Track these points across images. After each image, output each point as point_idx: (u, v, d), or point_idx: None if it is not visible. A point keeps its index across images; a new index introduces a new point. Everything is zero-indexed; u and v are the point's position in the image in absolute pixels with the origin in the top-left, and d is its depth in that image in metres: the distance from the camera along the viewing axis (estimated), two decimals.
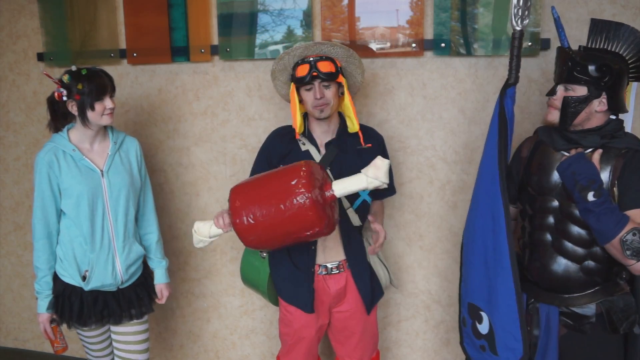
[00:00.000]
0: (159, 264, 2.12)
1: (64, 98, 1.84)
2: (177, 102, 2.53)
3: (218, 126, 2.50)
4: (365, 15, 2.23)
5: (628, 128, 2.10)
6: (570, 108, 1.58)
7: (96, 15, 2.50)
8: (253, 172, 2.00)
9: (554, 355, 1.68)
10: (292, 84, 1.86)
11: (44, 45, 2.60)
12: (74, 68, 1.86)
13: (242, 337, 2.68)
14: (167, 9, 2.40)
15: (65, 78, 1.84)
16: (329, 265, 1.91)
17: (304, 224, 1.58)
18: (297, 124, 1.86)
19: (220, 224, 1.74)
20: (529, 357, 1.68)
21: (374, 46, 2.23)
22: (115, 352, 2.07)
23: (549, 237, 1.68)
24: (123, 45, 2.52)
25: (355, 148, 1.90)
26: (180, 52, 2.43)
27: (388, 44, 2.22)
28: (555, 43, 2.06)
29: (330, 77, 1.80)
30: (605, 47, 1.59)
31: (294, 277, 1.92)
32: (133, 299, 2.01)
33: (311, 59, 1.80)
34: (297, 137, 1.89)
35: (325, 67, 1.79)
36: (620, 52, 1.58)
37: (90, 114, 1.84)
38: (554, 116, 1.63)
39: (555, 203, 1.66)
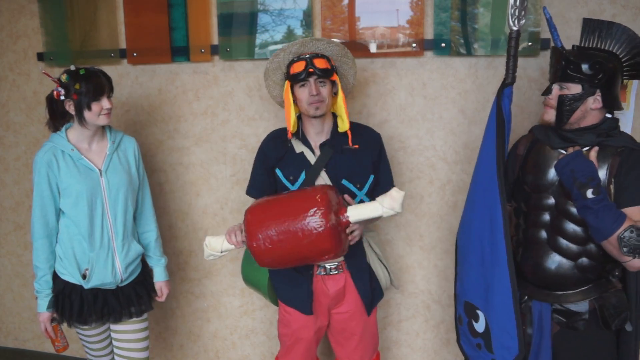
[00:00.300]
0: (158, 261, 2.13)
1: (62, 97, 1.85)
2: (177, 102, 2.53)
3: (218, 126, 2.50)
4: (365, 15, 2.23)
5: (628, 128, 2.11)
6: (566, 106, 1.60)
7: (96, 15, 2.50)
8: (253, 179, 1.99)
9: (548, 353, 1.70)
10: (287, 82, 1.85)
11: (44, 45, 2.60)
12: (73, 68, 1.87)
13: (242, 337, 2.68)
14: (167, 8, 2.40)
15: (64, 77, 1.84)
16: (327, 266, 1.91)
17: (320, 251, 1.63)
18: (291, 121, 1.85)
19: (233, 240, 1.77)
20: (523, 355, 1.69)
21: (374, 46, 2.23)
22: (115, 350, 2.07)
23: (544, 234, 1.69)
24: (123, 45, 2.52)
25: (347, 148, 1.88)
26: (180, 52, 2.43)
27: (388, 44, 2.22)
28: None
29: (326, 74, 1.80)
30: (598, 46, 1.62)
31: (292, 279, 1.92)
32: (132, 297, 2.01)
33: (307, 55, 1.81)
34: (290, 136, 1.88)
35: (321, 63, 1.79)
36: (614, 51, 1.60)
37: (87, 113, 1.85)
38: (550, 115, 1.65)
39: (551, 200, 1.67)
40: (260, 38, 2.33)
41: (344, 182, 1.87)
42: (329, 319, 1.99)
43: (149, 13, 2.42)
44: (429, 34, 2.20)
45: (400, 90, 2.29)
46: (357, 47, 2.24)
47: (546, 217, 1.69)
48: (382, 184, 1.95)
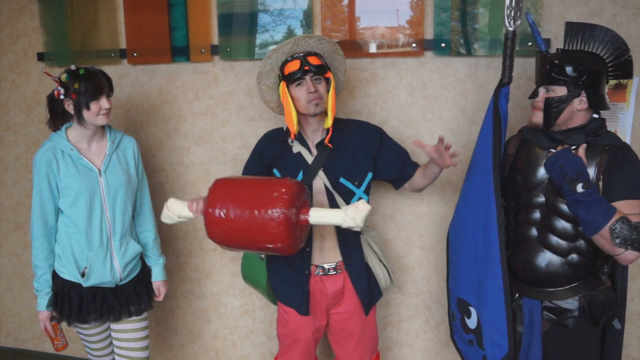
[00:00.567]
0: (157, 261, 2.13)
1: (62, 96, 1.85)
2: (177, 102, 2.53)
3: (218, 126, 2.50)
4: (366, 15, 2.23)
5: (628, 128, 2.11)
6: (553, 108, 1.64)
7: (96, 15, 2.50)
8: (244, 173, 2.00)
9: (538, 351, 1.72)
10: (283, 83, 1.84)
11: (44, 45, 2.60)
12: (73, 67, 1.87)
13: (242, 337, 2.68)
14: (167, 8, 2.40)
15: (64, 77, 1.85)
16: (325, 266, 1.91)
17: (269, 237, 1.61)
18: (294, 123, 1.83)
19: (193, 208, 1.77)
20: (514, 353, 1.72)
21: (374, 46, 2.23)
22: (116, 350, 2.07)
23: (534, 231, 1.72)
24: (123, 45, 2.52)
25: (348, 145, 1.88)
26: (180, 52, 2.43)
27: (388, 44, 2.22)
28: (556, 43, 2.06)
29: (321, 70, 1.80)
30: (582, 48, 1.66)
31: (290, 279, 1.92)
32: (132, 296, 2.02)
33: (300, 54, 1.81)
34: (293, 137, 1.87)
35: (315, 60, 1.80)
36: (598, 52, 1.64)
37: (85, 113, 1.85)
38: (538, 117, 1.69)
39: (542, 198, 1.70)
40: (260, 38, 2.33)
41: (342, 180, 1.87)
42: (328, 319, 1.99)
43: (149, 13, 2.42)
44: (429, 34, 2.20)
45: (400, 90, 2.29)
46: (357, 47, 2.24)
47: (537, 214, 1.72)
48: (407, 165, 1.92)
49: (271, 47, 2.31)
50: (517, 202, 1.77)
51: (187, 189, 2.60)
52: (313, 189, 1.88)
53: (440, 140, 1.70)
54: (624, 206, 1.55)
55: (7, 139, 2.82)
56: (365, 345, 2.01)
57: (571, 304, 1.68)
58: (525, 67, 2.12)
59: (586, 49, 1.65)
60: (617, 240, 1.50)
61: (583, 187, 1.52)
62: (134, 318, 2.03)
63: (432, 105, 2.27)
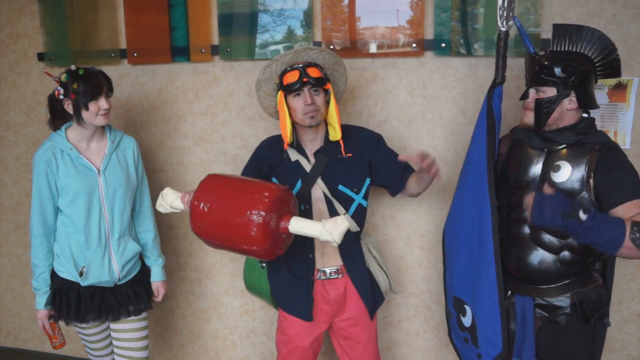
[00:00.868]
0: (156, 261, 2.13)
1: (61, 97, 1.86)
2: (177, 102, 2.53)
3: (218, 126, 2.50)
4: (366, 15, 2.23)
5: (628, 128, 2.12)
6: (543, 109, 1.67)
7: (96, 15, 2.50)
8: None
9: (531, 349, 1.74)
10: (280, 92, 1.83)
11: (44, 45, 2.60)
12: (73, 67, 1.87)
13: (242, 337, 2.68)
14: (167, 8, 2.40)
15: (63, 77, 1.85)
16: (327, 270, 1.91)
17: (245, 237, 1.62)
18: (288, 134, 1.83)
19: (185, 200, 1.79)
20: (507, 352, 1.74)
21: (374, 46, 2.23)
22: (115, 350, 2.07)
23: (526, 229, 1.74)
24: (123, 45, 2.52)
25: (340, 157, 1.87)
26: (180, 52, 2.43)
27: (388, 44, 2.22)
28: None
29: (320, 83, 1.80)
30: (570, 49, 1.69)
31: (293, 286, 1.92)
32: (131, 296, 2.02)
33: (300, 65, 1.80)
34: (286, 146, 1.86)
35: (314, 72, 1.79)
36: (586, 52, 1.67)
37: (84, 113, 1.85)
38: (529, 118, 1.72)
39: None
40: (260, 38, 2.33)
41: (341, 187, 1.87)
42: (332, 326, 1.98)
43: (149, 13, 2.42)
44: (429, 34, 2.20)
45: (400, 90, 2.29)
46: (357, 47, 2.24)
47: (528, 213, 1.73)
48: (401, 174, 1.91)
49: (271, 48, 2.32)
50: (509, 200, 1.79)
51: (187, 189, 2.58)
52: (312, 196, 1.88)
53: (421, 156, 1.69)
54: (626, 209, 1.57)
55: (7, 139, 2.82)
56: (372, 351, 2.00)
57: (563, 301, 1.71)
58: (525, 67, 2.12)
59: (574, 50, 1.68)
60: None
61: (585, 212, 1.52)
62: (133, 318, 2.03)
63: (432, 105, 2.27)
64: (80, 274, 1.92)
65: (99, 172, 1.93)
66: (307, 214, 1.87)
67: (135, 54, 2.49)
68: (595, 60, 1.68)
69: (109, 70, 2.31)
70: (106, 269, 1.93)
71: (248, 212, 1.59)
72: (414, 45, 2.20)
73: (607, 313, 1.76)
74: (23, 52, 2.69)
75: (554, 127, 1.69)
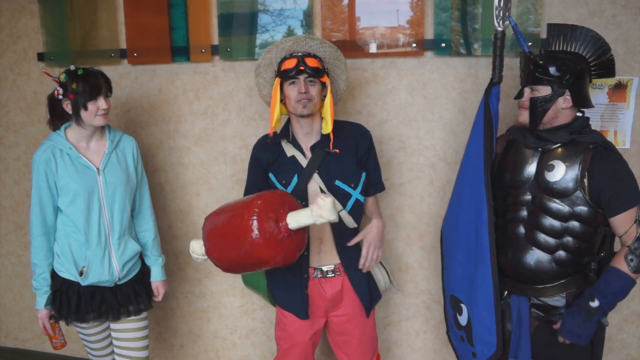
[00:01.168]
0: (156, 261, 2.13)
1: (60, 97, 1.86)
2: (177, 102, 2.53)
3: (218, 126, 2.50)
4: (366, 15, 2.23)
5: (628, 128, 2.12)
6: (538, 107, 1.68)
7: (96, 15, 2.50)
8: (249, 185, 1.98)
9: (527, 349, 1.74)
10: (277, 79, 1.84)
11: (44, 45, 2.60)
12: (72, 67, 1.87)
13: (242, 337, 2.68)
14: (167, 8, 2.40)
15: (62, 77, 1.86)
16: (324, 269, 1.90)
17: (259, 260, 1.62)
18: (274, 118, 1.83)
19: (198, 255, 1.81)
20: (502, 352, 1.75)
21: (374, 46, 2.23)
22: (115, 350, 2.07)
23: (522, 229, 1.75)
24: (123, 45, 2.52)
25: (343, 147, 1.87)
26: (180, 52, 2.43)
27: (388, 44, 2.22)
28: None
29: (317, 73, 1.79)
30: (565, 48, 1.71)
31: (288, 283, 1.91)
32: (131, 296, 2.02)
33: (299, 53, 1.80)
34: (271, 133, 1.86)
35: (312, 62, 1.79)
36: (580, 52, 1.69)
37: (83, 113, 1.85)
38: (525, 117, 1.73)
39: (528, 196, 1.74)
40: (260, 38, 2.33)
41: (338, 182, 1.86)
42: (327, 321, 1.99)
43: (149, 13, 2.42)
44: (429, 34, 2.20)
45: (400, 90, 2.29)
46: (357, 47, 2.24)
47: (524, 212, 1.75)
48: (372, 181, 1.95)
49: None
50: (505, 200, 1.80)
51: (187, 189, 2.60)
52: (309, 191, 1.88)
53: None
54: (621, 220, 1.64)
55: (7, 139, 2.82)
56: (366, 348, 2.00)
57: (558, 301, 1.72)
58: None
59: (568, 50, 1.70)
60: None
61: (593, 300, 1.62)
62: (133, 318, 2.03)
63: (432, 105, 2.27)
64: (81, 274, 1.92)
65: (98, 172, 1.93)
66: None
67: (135, 54, 2.49)
68: (589, 60, 1.69)
69: (109, 70, 2.31)
70: (106, 268, 1.94)
71: (248, 239, 1.58)
72: (414, 45, 2.20)
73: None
74: (23, 52, 2.69)
75: (549, 126, 1.70)
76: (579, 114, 1.71)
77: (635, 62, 2.08)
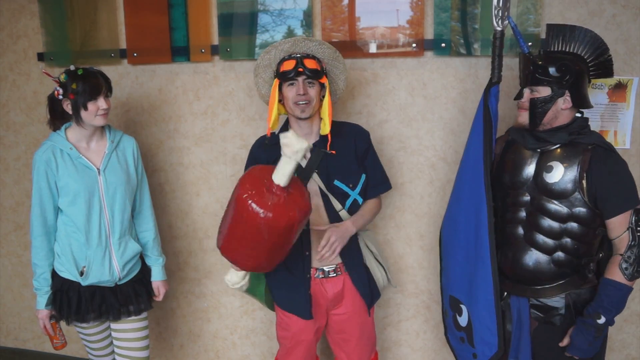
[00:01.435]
0: (156, 261, 2.13)
1: (60, 97, 1.86)
2: (177, 102, 2.53)
3: (218, 126, 2.50)
4: (366, 15, 2.23)
5: (628, 128, 2.12)
6: (538, 108, 1.68)
7: (96, 15, 2.51)
8: None
9: (527, 349, 1.75)
10: (276, 80, 1.84)
11: (44, 45, 2.60)
12: (72, 67, 1.87)
13: (242, 337, 2.68)
14: (167, 9, 2.40)
15: (62, 77, 1.86)
16: (325, 269, 1.91)
17: (284, 229, 1.60)
18: (272, 119, 1.84)
19: (235, 267, 1.82)
20: (503, 352, 1.75)
21: (374, 46, 2.23)
22: (116, 350, 2.07)
23: (520, 230, 1.75)
24: (123, 45, 2.52)
25: (343, 148, 1.88)
26: (180, 52, 2.43)
27: (388, 44, 2.22)
28: None
29: (315, 75, 1.79)
30: (564, 49, 1.71)
31: (290, 284, 1.91)
32: (131, 296, 2.02)
33: (298, 55, 1.81)
34: (268, 133, 1.86)
35: (311, 64, 1.79)
36: (579, 52, 1.69)
37: (83, 113, 1.85)
38: (524, 118, 1.73)
39: (527, 197, 1.74)
40: (260, 38, 2.33)
41: (337, 182, 1.87)
42: (327, 320, 1.99)
43: (149, 13, 2.42)
44: (429, 34, 2.20)
45: (400, 90, 2.29)
46: (357, 47, 2.24)
47: (522, 213, 1.75)
48: (371, 183, 1.94)
49: None
50: (504, 201, 1.80)
51: (187, 189, 2.60)
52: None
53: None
54: (616, 223, 1.64)
55: (7, 139, 2.82)
56: (364, 346, 2.01)
57: (558, 302, 1.72)
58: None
59: (567, 50, 1.70)
60: (636, 274, 1.63)
61: (598, 316, 1.63)
62: (133, 318, 2.03)
63: (432, 105, 2.27)
64: (81, 274, 1.92)
65: (98, 172, 1.93)
66: None
67: (135, 54, 2.49)
68: (588, 60, 1.70)
69: (109, 70, 2.31)
70: (106, 268, 1.94)
71: (260, 223, 1.57)
72: (414, 45, 2.20)
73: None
74: (23, 52, 2.69)
75: (548, 127, 1.70)
76: (578, 115, 1.71)
77: (635, 62, 2.08)
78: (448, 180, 2.29)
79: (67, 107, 1.87)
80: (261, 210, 1.55)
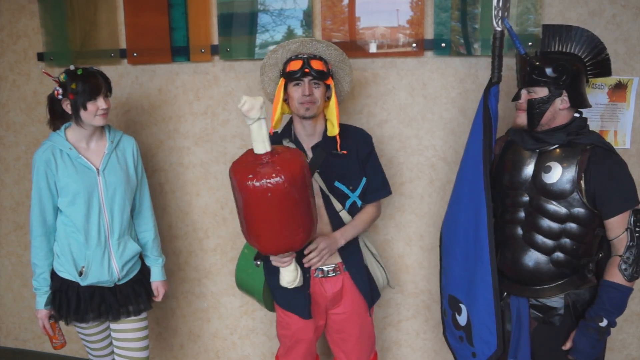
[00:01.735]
0: (156, 261, 2.13)
1: (60, 97, 1.86)
2: (177, 102, 2.53)
3: (218, 126, 2.50)
4: (366, 15, 2.23)
5: (628, 128, 2.11)
6: (536, 109, 1.68)
7: (96, 15, 2.50)
8: None
9: (527, 349, 1.75)
10: (282, 79, 1.85)
11: (44, 45, 2.60)
12: (72, 67, 1.87)
13: (242, 337, 2.68)
14: (167, 9, 2.40)
15: (62, 77, 1.86)
16: (325, 268, 1.91)
17: (302, 180, 1.58)
18: (275, 118, 1.84)
19: (281, 263, 1.77)
20: (502, 351, 1.75)
21: (374, 46, 2.23)
22: (115, 350, 2.07)
23: (519, 230, 1.76)
24: (123, 45, 2.52)
25: (336, 153, 1.88)
26: (180, 52, 2.43)
27: (388, 44, 2.22)
28: None
29: (321, 76, 1.80)
30: (560, 49, 1.72)
31: None
32: (130, 296, 2.02)
33: (305, 55, 1.81)
34: (271, 132, 1.87)
35: (317, 65, 1.79)
36: (576, 52, 1.70)
37: (83, 113, 1.85)
38: (523, 119, 1.73)
39: (526, 197, 1.75)
40: (260, 38, 2.33)
41: (337, 184, 1.87)
42: (326, 319, 1.99)
43: (149, 13, 2.42)
44: (429, 34, 2.20)
45: (400, 90, 2.29)
46: (357, 47, 2.24)
47: (521, 214, 1.76)
48: (371, 187, 1.94)
49: (271, 48, 2.31)
50: (503, 201, 1.81)
51: (187, 189, 2.60)
52: None
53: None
54: (614, 223, 1.64)
55: (7, 139, 2.82)
56: (363, 346, 2.01)
57: (557, 302, 1.72)
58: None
59: (564, 50, 1.71)
60: (635, 275, 1.63)
61: (600, 319, 1.63)
62: (133, 318, 2.03)
63: (432, 105, 2.27)
64: (80, 274, 1.92)
65: (98, 172, 1.93)
66: None
67: (135, 54, 2.49)
68: (585, 60, 1.70)
69: (109, 70, 2.31)
70: (106, 268, 1.94)
71: (268, 196, 1.54)
72: (414, 45, 2.20)
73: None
74: (23, 52, 2.69)
75: (547, 127, 1.70)
76: (577, 115, 1.71)
77: (635, 62, 2.08)
78: (448, 180, 2.29)
79: (67, 107, 1.87)
80: (270, 181, 1.54)
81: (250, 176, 1.56)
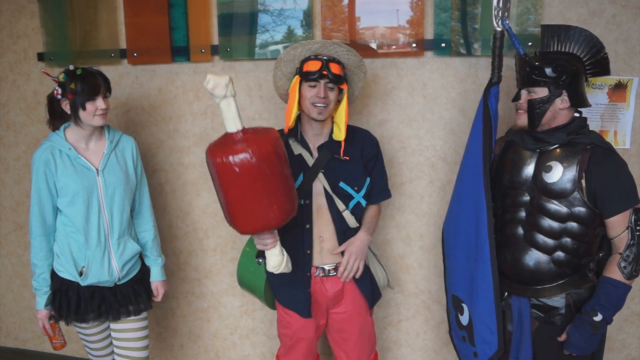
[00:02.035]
0: (155, 261, 2.13)
1: (59, 96, 1.86)
2: (177, 102, 2.53)
3: (218, 126, 2.50)
4: (366, 15, 2.23)
5: (628, 128, 2.11)
6: (536, 109, 1.69)
7: (96, 15, 2.51)
8: None
9: (528, 350, 1.75)
10: (297, 77, 1.84)
11: (44, 45, 2.60)
12: (71, 67, 1.87)
13: (242, 337, 2.68)
14: (167, 9, 2.40)
15: (61, 77, 1.86)
16: (326, 267, 1.91)
17: (277, 155, 1.58)
18: (292, 118, 1.84)
19: (263, 245, 1.76)
20: (503, 351, 1.76)
21: (374, 46, 2.23)
22: (115, 350, 2.07)
23: (520, 230, 1.76)
24: (123, 45, 2.52)
25: (350, 151, 1.88)
26: (180, 52, 2.43)
27: (388, 44, 2.22)
28: None
29: (338, 80, 1.80)
30: (559, 49, 1.72)
31: (291, 282, 1.91)
32: (130, 296, 2.02)
33: (324, 57, 1.80)
34: (287, 130, 1.87)
35: (335, 69, 1.79)
36: (575, 52, 1.70)
37: (82, 113, 1.85)
38: (523, 120, 1.73)
39: (526, 197, 1.75)
40: (260, 38, 2.33)
41: (342, 184, 1.88)
42: (327, 318, 1.99)
43: (149, 13, 2.42)
44: (429, 34, 2.20)
45: (400, 90, 2.29)
46: (358, 47, 2.23)
47: (522, 213, 1.76)
48: (375, 189, 1.95)
49: (271, 48, 2.32)
50: (503, 201, 1.81)
51: (187, 189, 2.60)
52: (313, 190, 1.88)
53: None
54: (615, 222, 1.64)
55: (7, 139, 2.82)
56: (364, 345, 2.01)
57: (558, 301, 1.72)
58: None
59: (563, 50, 1.71)
60: (635, 273, 1.64)
61: (595, 314, 1.63)
62: (132, 318, 2.03)
63: (432, 105, 2.27)
64: (80, 274, 1.92)
65: (97, 172, 1.93)
66: (307, 207, 1.87)
67: (135, 54, 2.49)
68: (584, 59, 1.70)
69: (109, 70, 2.31)
70: (106, 268, 1.94)
71: (247, 169, 1.54)
72: (414, 45, 2.20)
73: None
74: (23, 52, 2.69)
75: (547, 127, 1.71)
76: (577, 114, 1.72)
77: (635, 62, 2.08)
78: (448, 180, 2.29)
79: (66, 107, 1.87)
80: (243, 155, 1.53)
81: (224, 153, 1.55)
